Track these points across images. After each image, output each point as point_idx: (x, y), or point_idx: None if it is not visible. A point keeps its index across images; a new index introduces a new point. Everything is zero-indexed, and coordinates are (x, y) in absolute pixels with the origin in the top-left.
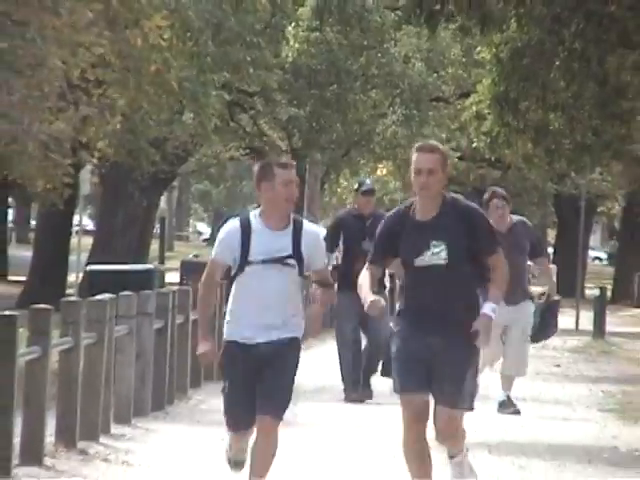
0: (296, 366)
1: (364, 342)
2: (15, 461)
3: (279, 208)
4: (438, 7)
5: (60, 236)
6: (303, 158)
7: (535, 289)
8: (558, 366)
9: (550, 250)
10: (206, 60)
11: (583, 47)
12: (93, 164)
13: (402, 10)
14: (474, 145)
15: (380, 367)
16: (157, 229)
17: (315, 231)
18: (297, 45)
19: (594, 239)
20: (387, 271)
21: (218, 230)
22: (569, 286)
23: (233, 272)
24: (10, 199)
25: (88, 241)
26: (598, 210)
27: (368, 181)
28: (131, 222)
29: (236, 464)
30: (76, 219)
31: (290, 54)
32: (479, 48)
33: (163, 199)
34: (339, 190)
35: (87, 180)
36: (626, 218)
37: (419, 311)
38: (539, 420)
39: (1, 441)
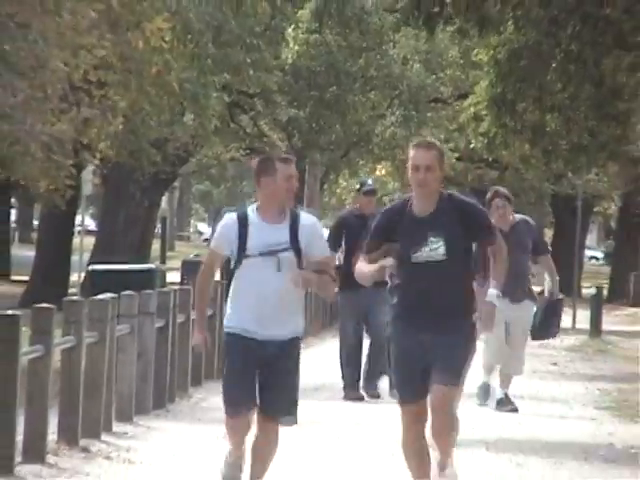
0: (298, 365)
1: (365, 344)
2: (18, 459)
3: (279, 202)
4: (436, 9)
5: (62, 236)
6: (303, 159)
7: (534, 288)
8: (555, 364)
9: None
10: (207, 62)
11: (579, 49)
12: (95, 165)
13: (401, 12)
14: (472, 146)
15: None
16: (158, 229)
17: (312, 221)
18: (297, 47)
19: (590, 239)
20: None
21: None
22: (566, 285)
23: (232, 266)
24: (13, 199)
25: (90, 241)
26: (594, 210)
27: (370, 181)
28: (133, 222)
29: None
30: (78, 219)
31: (290, 56)
32: (477, 50)
33: (164, 199)
34: (338, 190)
35: (89, 181)
36: (622, 218)
37: (415, 306)
38: (536, 418)
39: (4, 439)
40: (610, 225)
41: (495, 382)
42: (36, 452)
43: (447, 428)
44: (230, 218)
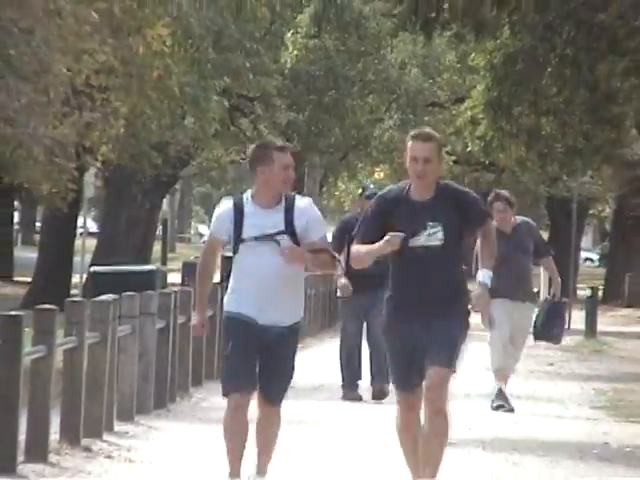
0: (295, 351)
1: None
2: (20, 458)
3: (275, 190)
4: (433, 15)
5: (65, 238)
6: (302, 162)
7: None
8: (551, 365)
9: None
10: (207, 67)
11: (574, 54)
12: (97, 168)
13: (398, 17)
14: (469, 149)
15: None
16: (159, 231)
17: (306, 204)
18: (296, 51)
19: (585, 241)
20: None
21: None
22: (561, 286)
23: (231, 252)
24: (16, 202)
25: (92, 243)
26: (589, 212)
27: (372, 186)
28: (134, 224)
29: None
30: (80, 221)
31: (289, 60)
32: (473, 54)
33: (165, 202)
34: (337, 193)
35: (91, 183)
36: (617, 220)
37: (411, 292)
38: (532, 417)
39: (6, 438)
40: (605, 227)
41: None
42: (38, 451)
43: (442, 412)
44: (226, 205)
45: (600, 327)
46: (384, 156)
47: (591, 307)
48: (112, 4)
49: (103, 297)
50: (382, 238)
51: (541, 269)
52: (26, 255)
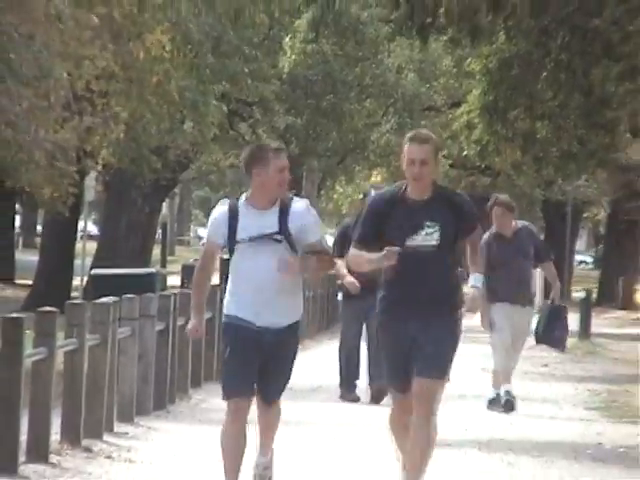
0: (296, 351)
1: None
2: (22, 458)
3: (270, 192)
4: (429, 20)
5: (65, 241)
6: (300, 165)
7: None
8: (546, 366)
9: None
10: (205, 72)
11: (569, 59)
12: (97, 172)
13: (395, 22)
14: (465, 153)
15: None
16: (159, 234)
17: (303, 206)
18: (294, 56)
19: (580, 244)
20: None
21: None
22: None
23: (228, 255)
24: (17, 205)
25: (92, 246)
26: (584, 216)
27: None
28: (134, 227)
29: None
30: (81, 225)
31: (287, 65)
32: (469, 59)
33: (165, 205)
34: (335, 196)
35: (91, 187)
36: (611, 223)
37: (406, 292)
38: (527, 418)
39: (8, 439)
40: (599, 230)
41: (507, 386)
42: (39, 452)
43: (429, 423)
44: (221, 208)
45: (594, 329)
46: (381, 160)
47: (585, 309)
48: (112, 9)
49: (103, 299)
50: (379, 240)
51: (537, 273)
52: (27, 258)
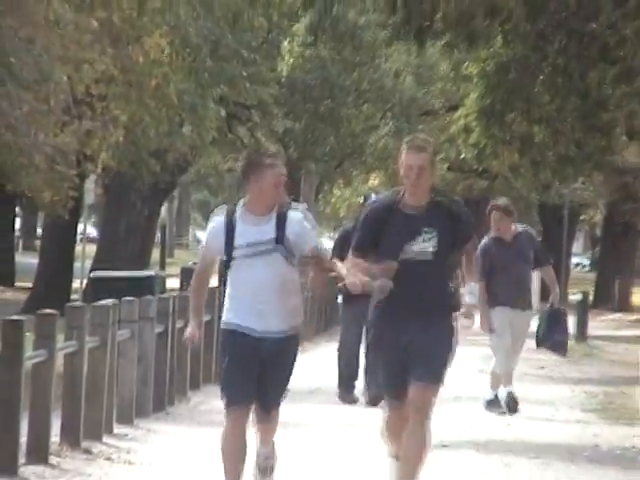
0: (295, 360)
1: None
2: (22, 460)
3: (268, 198)
4: (426, 24)
5: (65, 244)
6: (298, 169)
7: None
8: (543, 368)
9: None
10: (204, 75)
11: (566, 63)
12: (97, 175)
13: (392, 27)
14: (462, 156)
15: None
16: (158, 237)
17: (299, 213)
18: (292, 60)
19: (576, 246)
20: None
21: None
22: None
23: (225, 263)
24: (17, 208)
25: (92, 248)
26: (580, 218)
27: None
28: (133, 230)
29: None
30: (80, 228)
31: (285, 68)
32: (467, 63)
33: (164, 208)
34: (333, 200)
35: (91, 190)
36: (607, 226)
37: (402, 300)
38: (524, 420)
39: (8, 440)
40: (596, 233)
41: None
42: (39, 453)
43: (423, 427)
44: (218, 216)
45: (591, 331)
46: (379, 163)
47: (582, 311)
48: (111, 13)
49: (103, 302)
50: (376, 246)
51: (533, 275)
52: (27, 261)
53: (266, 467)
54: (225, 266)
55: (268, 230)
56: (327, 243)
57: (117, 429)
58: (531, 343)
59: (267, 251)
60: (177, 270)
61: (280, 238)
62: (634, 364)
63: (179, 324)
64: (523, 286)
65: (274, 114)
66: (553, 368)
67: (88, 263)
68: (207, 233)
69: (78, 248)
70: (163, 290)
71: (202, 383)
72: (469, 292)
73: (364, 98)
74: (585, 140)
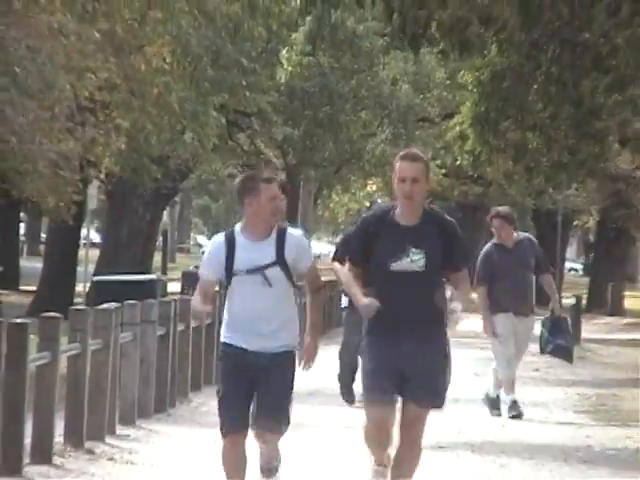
0: (293, 375)
1: None
2: (26, 460)
3: (264, 221)
4: (421, 31)
5: (69, 248)
6: (297, 175)
7: None
8: (537, 370)
9: None
10: (205, 84)
11: (559, 71)
12: (100, 181)
13: (389, 34)
14: (458, 163)
15: None
16: (160, 242)
17: (298, 235)
18: (291, 68)
19: (570, 251)
20: None
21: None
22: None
23: (225, 285)
24: (22, 214)
25: (95, 253)
26: (574, 224)
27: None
28: (135, 235)
29: None
30: (84, 232)
31: (284, 77)
32: (462, 71)
33: (165, 213)
34: (331, 205)
35: (94, 196)
36: (600, 231)
37: (392, 317)
38: (519, 421)
39: (13, 441)
40: (589, 238)
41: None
42: (43, 454)
43: (417, 448)
44: (218, 241)
45: (584, 334)
46: (376, 169)
47: (575, 315)
48: (114, 23)
49: (105, 305)
50: (367, 258)
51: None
52: (32, 265)
53: (270, 468)
54: (225, 283)
55: (268, 252)
56: (326, 248)
57: (119, 430)
58: (533, 348)
59: (267, 271)
60: (178, 274)
61: (280, 258)
62: (626, 367)
63: (180, 327)
64: (525, 292)
65: (273, 121)
66: (547, 370)
67: (91, 267)
68: (205, 258)
69: (81, 253)
70: (165, 294)
71: (203, 385)
72: (459, 302)
73: (362, 105)
74: (578, 147)
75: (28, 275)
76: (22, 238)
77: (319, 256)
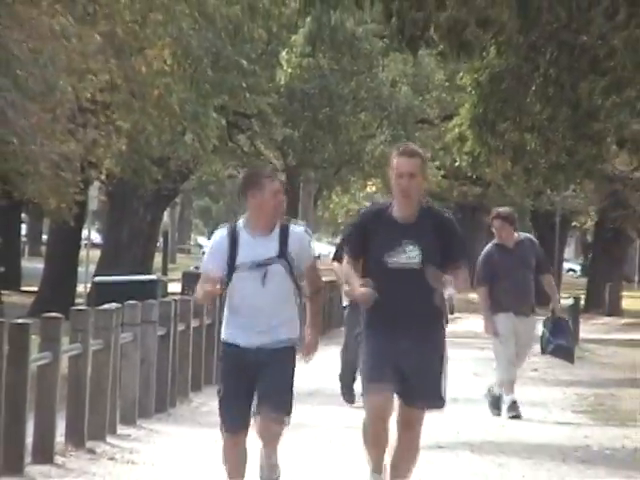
0: (293, 370)
1: None
2: (27, 459)
3: (267, 216)
4: (419, 33)
5: (70, 249)
6: (297, 176)
7: None
8: (535, 370)
9: None
10: (205, 86)
11: (557, 73)
12: (101, 182)
13: (388, 36)
14: (457, 164)
15: None
16: (160, 242)
17: (301, 230)
18: (290, 70)
19: (568, 252)
20: None
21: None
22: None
23: (226, 280)
24: (23, 215)
25: (96, 254)
26: (572, 225)
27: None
28: (136, 236)
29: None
30: (85, 233)
31: (284, 78)
32: (461, 73)
33: (166, 214)
34: (331, 206)
35: (95, 197)
36: (598, 232)
37: (390, 313)
38: (517, 421)
39: (14, 441)
40: (587, 239)
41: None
42: (45, 453)
43: (415, 444)
44: (220, 235)
45: (582, 335)
46: (376, 170)
47: (573, 315)
48: (115, 25)
49: (106, 306)
50: (365, 253)
51: None
52: (33, 266)
53: (271, 478)
54: (226, 279)
55: (271, 247)
56: (326, 248)
57: (120, 430)
58: (534, 348)
59: (270, 266)
60: (179, 275)
61: (283, 253)
62: (624, 367)
63: (181, 327)
64: (526, 292)
65: (273, 123)
66: (546, 371)
67: (92, 268)
68: (208, 253)
69: (82, 253)
70: (165, 294)
71: (203, 385)
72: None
73: (361, 106)
74: (576, 149)
75: (29, 276)
76: (23, 239)
77: (319, 257)
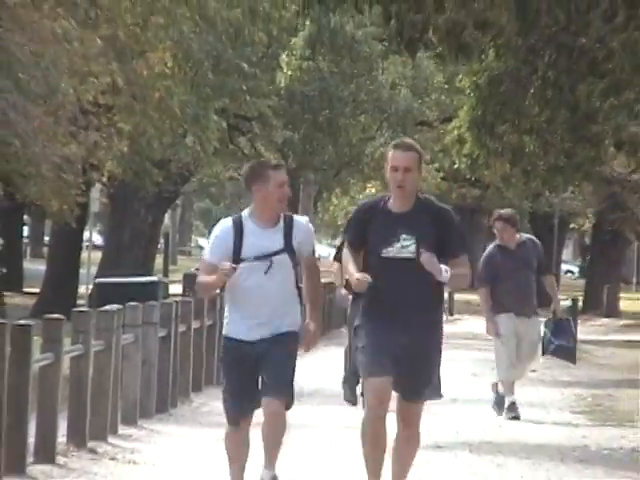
0: (295, 355)
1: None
2: (29, 459)
3: (271, 208)
4: (418, 35)
5: (72, 251)
6: (297, 178)
7: None
8: (534, 371)
9: None
10: (206, 89)
11: (556, 76)
12: (102, 184)
13: (387, 39)
14: (456, 166)
15: None
16: (161, 244)
17: (303, 221)
18: (290, 73)
19: (566, 253)
20: None
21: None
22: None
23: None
24: (25, 216)
25: (97, 255)
26: (570, 227)
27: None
28: (137, 238)
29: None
30: (86, 235)
31: (284, 81)
32: (460, 76)
33: (167, 216)
34: (331, 208)
35: (96, 199)
36: (596, 234)
37: (388, 304)
38: (516, 421)
39: (16, 441)
40: (585, 241)
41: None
42: (47, 453)
43: (415, 437)
44: (225, 225)
45: (580, 336)
46: (375, 173)
47: (571, 316)
48: (117, 29)
49: (108, 307)
50: (364, 244)
51: None
52: (35, 267)
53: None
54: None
55: (277, 239)
56: (325, 250)
57: (122, 430)
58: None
59: (275, 261)
60: (180, 276)
61: (289, 245)
62: (622, 368)
63: (182, 328)
64: (528, 293)
65: (274, 125)
66: (544, 371)
67: (94, 269)
68: (212, 241)
69: (84, 255)
70: (166, 296)
71: (204, 385)
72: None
73: (361, 109)
74: (574, 151)
75: (31, 277)
76: (26, 240)
77: (319, 258)
